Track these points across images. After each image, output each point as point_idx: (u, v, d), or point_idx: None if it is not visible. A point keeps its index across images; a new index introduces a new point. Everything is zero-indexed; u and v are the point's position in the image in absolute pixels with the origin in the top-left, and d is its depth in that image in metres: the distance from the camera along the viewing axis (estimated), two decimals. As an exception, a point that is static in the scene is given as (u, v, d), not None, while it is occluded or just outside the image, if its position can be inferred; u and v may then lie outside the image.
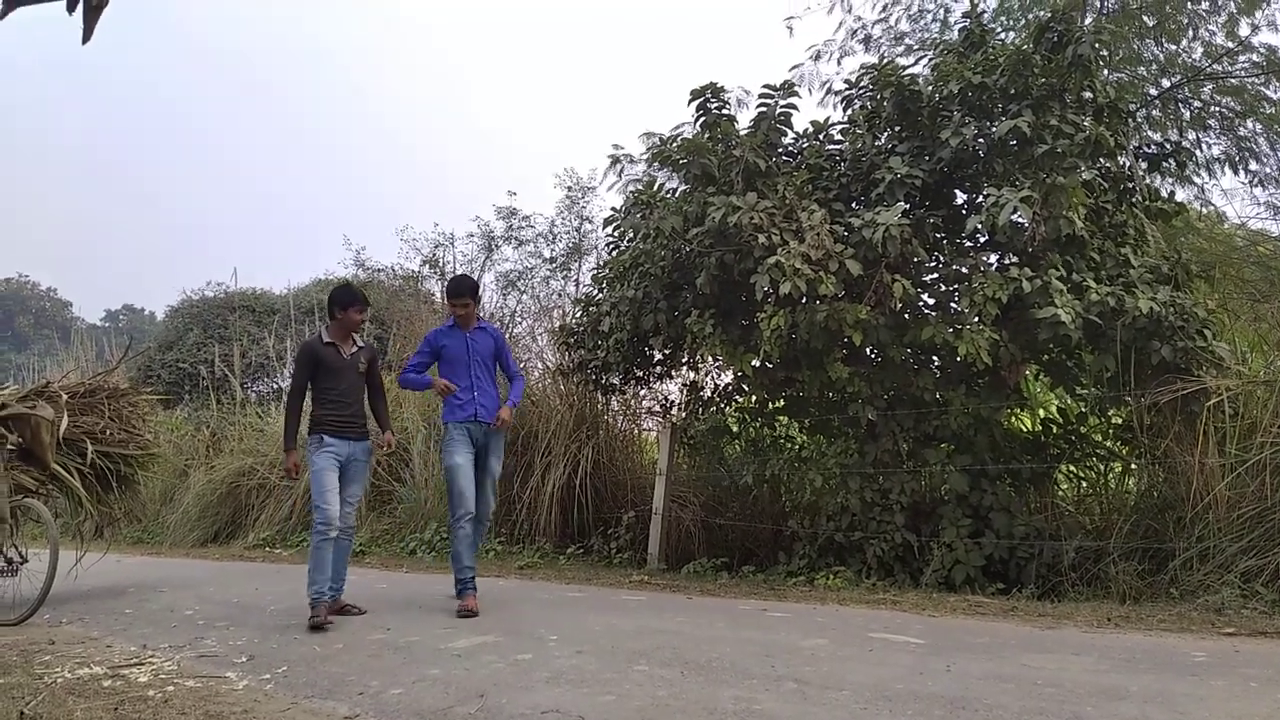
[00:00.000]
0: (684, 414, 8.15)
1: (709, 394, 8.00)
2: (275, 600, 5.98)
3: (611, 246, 7.97)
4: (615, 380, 7.80)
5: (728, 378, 7.90)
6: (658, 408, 8.60)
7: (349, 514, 5.34)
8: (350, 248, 19.80)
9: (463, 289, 5.74)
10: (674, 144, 6.86)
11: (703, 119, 6.91)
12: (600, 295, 7.73)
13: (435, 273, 14.84)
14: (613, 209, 7.61)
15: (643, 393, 8.45)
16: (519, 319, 12.59)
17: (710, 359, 7.48)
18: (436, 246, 15.71)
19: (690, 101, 6.91)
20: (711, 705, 3.06)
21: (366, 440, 5.45)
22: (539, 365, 9.32)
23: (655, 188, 7.29)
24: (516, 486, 8.14)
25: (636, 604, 5.59)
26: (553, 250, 15.92)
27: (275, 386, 14.73)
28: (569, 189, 16.19)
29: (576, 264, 14.61)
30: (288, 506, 10.11)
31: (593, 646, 4.12)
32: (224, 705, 3.20)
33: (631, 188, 7.78)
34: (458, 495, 5.41)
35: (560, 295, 12.94)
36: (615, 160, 7.51)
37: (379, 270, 17.07)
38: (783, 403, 7.36)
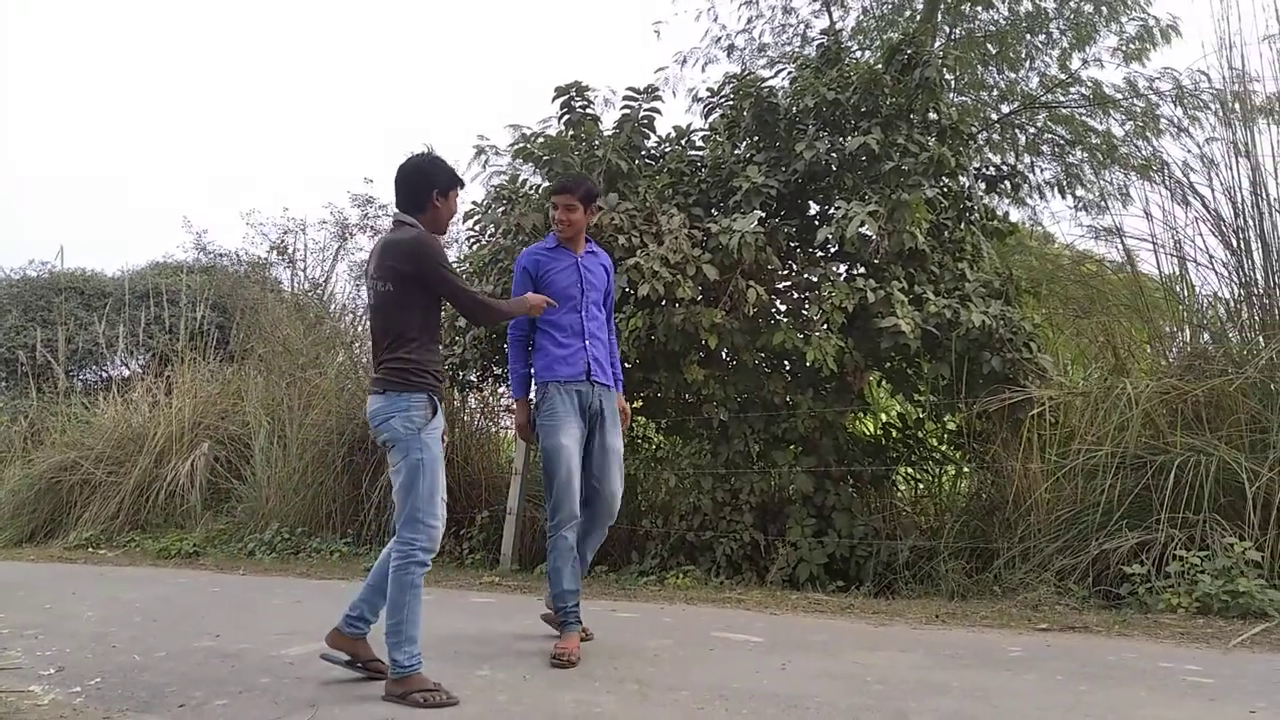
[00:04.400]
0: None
1: (567, 393, 7.96)
2: (94, 606, 5.55)
3: (472, 240, 7.81)
4: (473, 378, 7.67)
5: (587, 377, 7.87)
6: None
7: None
8: (191, 230, 18.56)
9: (570, 183, 4.17)
10: (537, 140, 6.80)
11: (567, 117, 6.89)
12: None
13: (284, 260, 14.12)
14: (474, 203, 7.47)
15: (501, 390, 8.33)
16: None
17: (569, 358, 7.43)
18: (285, 233, 14.92)
19: (555, 98, 6.87)
20: (552, 710, 3.04)
21: None
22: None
23: (518, 183, 7.19)
24: (366, 484, 7.88)
25: (484, 606, 5.50)
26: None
27: (104, 375, 13.70)
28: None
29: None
30: (115, 503, 9.42)
31: (435, 651, 4.01)
32: (22, 724, 2.94)
33: (495, 180, 7.66)
34: (560, 490, 3.89)
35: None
36: (480, 151, 7.35)
37: (222, 255, 16.07)
38: (640, 403, 7.42)
